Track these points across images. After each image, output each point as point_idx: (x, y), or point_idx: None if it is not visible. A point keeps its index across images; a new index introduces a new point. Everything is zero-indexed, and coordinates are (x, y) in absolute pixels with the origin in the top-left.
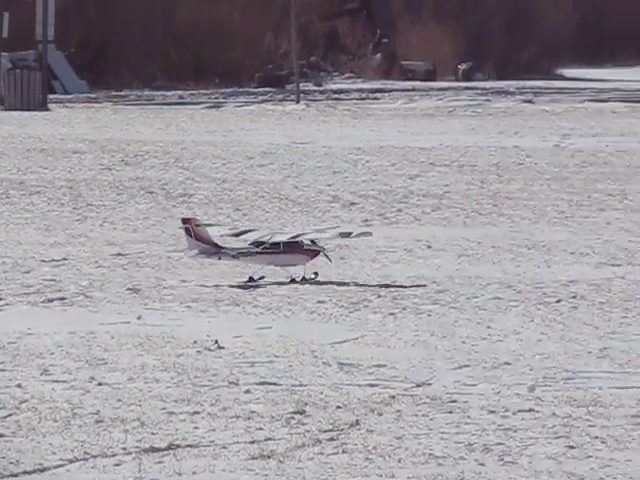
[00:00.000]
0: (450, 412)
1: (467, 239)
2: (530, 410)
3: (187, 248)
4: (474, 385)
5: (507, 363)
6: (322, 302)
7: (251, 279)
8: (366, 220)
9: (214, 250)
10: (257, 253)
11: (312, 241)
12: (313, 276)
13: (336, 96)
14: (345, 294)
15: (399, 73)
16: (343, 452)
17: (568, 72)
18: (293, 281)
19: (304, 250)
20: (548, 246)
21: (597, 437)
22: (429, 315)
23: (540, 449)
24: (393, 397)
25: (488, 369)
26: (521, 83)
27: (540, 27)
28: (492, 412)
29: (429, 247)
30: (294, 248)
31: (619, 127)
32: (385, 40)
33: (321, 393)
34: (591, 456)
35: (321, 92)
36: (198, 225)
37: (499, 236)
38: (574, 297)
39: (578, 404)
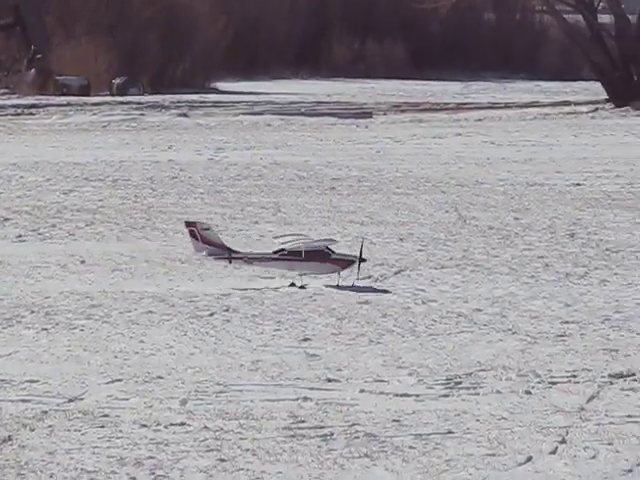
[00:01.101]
0: (102, 426)
1: (121, 254)
2: (182, 424)
3: (194, 250)
4: (126, 399)
5: (160, 377)
6: None
7: (292, 284)
8: (20, 236)
9: (224, 253)
10: (273, 259)
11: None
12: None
13: None
14: None
15: (54, 88)
16: None
17: (222, 85)
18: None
19: (334, 260)
20: (201, 260)
21: (248, 450)
22: (82, 330)
23: (191, 462)
24: (45, 412)
25: (140, 383)
26: (176, 97)
27: (194, 41)
28: (144, 426)
29: (82, 262)
30: (321, 257)
31: (273, 140)
32: (39, 56)
33: None
34: (242, 469)
35: None
36: (206, 229)
37: (153, 250)
38: (227, 310)
39: (230, 417)
